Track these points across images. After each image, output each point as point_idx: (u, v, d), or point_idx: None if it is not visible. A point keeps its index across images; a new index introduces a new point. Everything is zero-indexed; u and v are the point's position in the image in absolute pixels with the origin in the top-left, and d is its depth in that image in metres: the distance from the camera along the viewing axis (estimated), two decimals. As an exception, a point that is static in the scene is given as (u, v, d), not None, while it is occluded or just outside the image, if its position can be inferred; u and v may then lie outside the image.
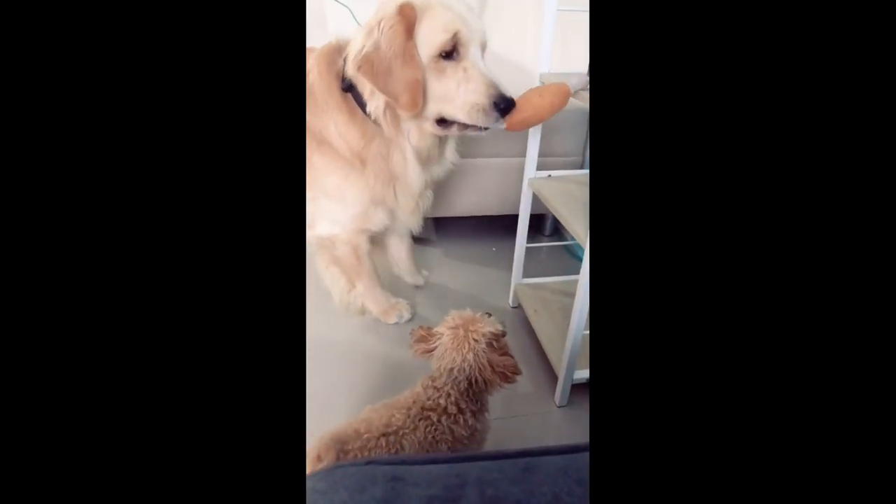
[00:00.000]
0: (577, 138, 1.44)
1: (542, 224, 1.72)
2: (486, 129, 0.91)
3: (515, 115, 0.89)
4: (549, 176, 1.15)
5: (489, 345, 0.73)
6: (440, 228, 1.73)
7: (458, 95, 0.87)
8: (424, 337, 0.77)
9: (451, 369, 0.72)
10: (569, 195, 1.04)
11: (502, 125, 0.89)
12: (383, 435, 0.68)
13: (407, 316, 1.27)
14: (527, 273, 1.30)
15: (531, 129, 1.09)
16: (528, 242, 1.25)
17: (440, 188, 1.45)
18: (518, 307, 1.30)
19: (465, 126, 0.92)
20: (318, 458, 0.65)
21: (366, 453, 0.66)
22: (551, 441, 0.96)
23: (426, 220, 1.73)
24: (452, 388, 0.72)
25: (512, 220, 1.28)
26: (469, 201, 1.50)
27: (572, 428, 0.99)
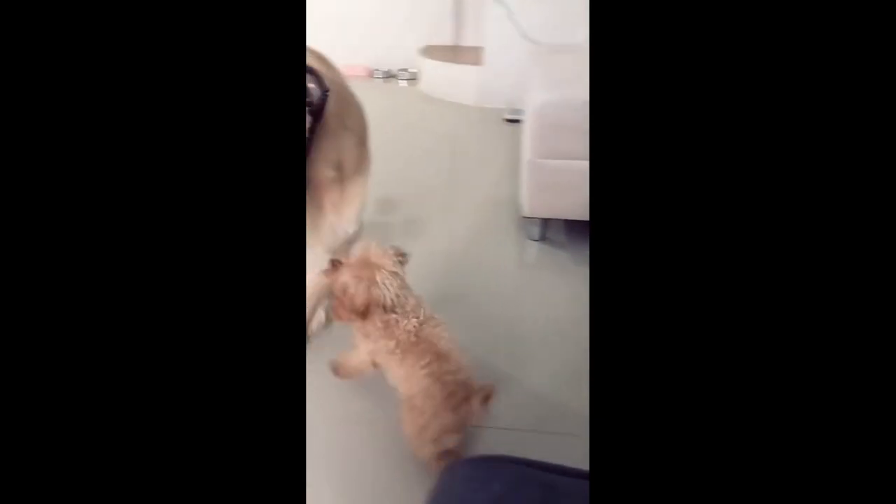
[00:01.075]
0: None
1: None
2: None
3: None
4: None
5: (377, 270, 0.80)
6: (571, 231, 1.48)
7: None
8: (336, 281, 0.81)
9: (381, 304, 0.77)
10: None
11: None
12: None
13: None
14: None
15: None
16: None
17: (571, 187, 1.30)
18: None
19: None
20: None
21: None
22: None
23: (555, 221, 1.46)
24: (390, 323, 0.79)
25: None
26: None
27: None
